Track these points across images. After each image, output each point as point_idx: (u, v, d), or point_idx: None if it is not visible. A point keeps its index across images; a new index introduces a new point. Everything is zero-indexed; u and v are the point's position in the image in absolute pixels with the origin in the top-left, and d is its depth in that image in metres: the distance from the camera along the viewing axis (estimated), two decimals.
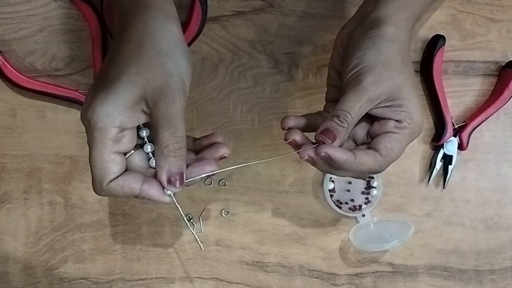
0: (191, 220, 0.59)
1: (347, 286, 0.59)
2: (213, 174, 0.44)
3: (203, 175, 0.43)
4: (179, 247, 0.59)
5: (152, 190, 0.41)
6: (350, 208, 0.59)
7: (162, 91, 0.39)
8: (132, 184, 0.41)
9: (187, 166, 0.42)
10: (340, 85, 0.47)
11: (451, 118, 0.59)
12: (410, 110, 0.43)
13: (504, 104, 0.59)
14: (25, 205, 0.58)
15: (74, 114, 0.57)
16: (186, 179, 0.42)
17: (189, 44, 0.57)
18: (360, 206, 0.59)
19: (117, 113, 0.39)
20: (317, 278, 0.59)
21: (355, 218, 0.59)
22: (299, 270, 0.59)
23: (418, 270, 0.60)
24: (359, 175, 0.45)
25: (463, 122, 0.60)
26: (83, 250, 0.58)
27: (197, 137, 0.47)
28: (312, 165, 0.44)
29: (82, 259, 0.58)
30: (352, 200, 0.59)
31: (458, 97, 0.60)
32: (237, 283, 0.59)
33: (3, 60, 0.55)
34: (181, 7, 0.58)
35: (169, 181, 0.41)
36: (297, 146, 0.45)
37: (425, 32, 0.59)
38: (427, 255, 0.60)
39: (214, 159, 0.44)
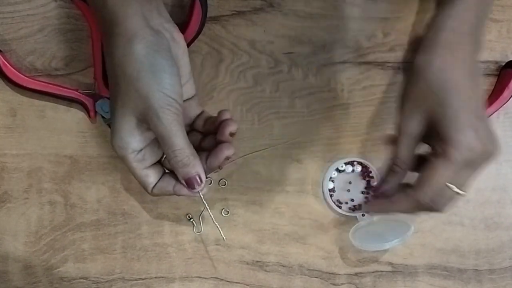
0: (191, 220, 0.59)
1: (347, 286, 0.60)
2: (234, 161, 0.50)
3: (225, 163, 0.48)
4: (179, 246, 0.59)
5: (183, 190, 0.47)
6: (350, 208, 0.59)
7: (146, 114, 0.42)
8: (167, 187, 0.47)
9: (209, 154, 0.47)
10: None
11: None
12: (447, 136, 0.42)
13: (504, 104, 0.59)
14: (25, 205, 0.58)
15: (74, 113, 0.57)
16: (208, 171, 0.47)
17: (189, 44, 0.57)
18: (360, 205, 0.59)
19: (126, 143, 0.44)
20: (317, 277, 0.60)
21: (355, 217, 0.59)
22: (299, 269, 0.59)
23: (418, 270, 0.60)
24: (417, 211, 0.48)
25: None
26: (83, 249, 0.58)
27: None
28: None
29: (82, 258, 0.58)
30: (352, 200, 0.59)
31: None
32: (237, 282, 0.59)
33: (3, 60, 0.55)
34: (181, 7, 0.58)
35: (188, 185, 0.46)
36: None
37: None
38: (427, 254, 0.60)
39: (226, 140, 0.46)
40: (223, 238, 0.52)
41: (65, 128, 0.58)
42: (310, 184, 0.59)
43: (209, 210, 0.49)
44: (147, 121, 0.43)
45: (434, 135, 0.44)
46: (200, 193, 0.47)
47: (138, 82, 0.42)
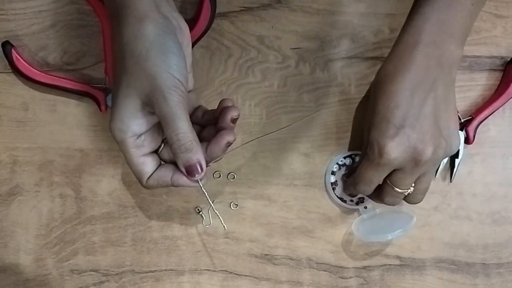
0: (200, 213, 0.59)
1: (355, 279, 0.60)
2: (236, 148, 0.48)
3: (226, 151, 0.46)
4: (189, 239, 0.59)
5: (182, 180, 0.45)
6: (352, 201, 0.60)
7: (152, 95, 0.41)
8: (165, 177, 0.45)
9: (209, 142, 0.45)
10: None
11: (458, 112, 0.60)
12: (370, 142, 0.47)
13: (510, 99, 0.59)
14: (36, 198, 0.58)
15: (85, 107, 0.58)
16: (209, 160, 0.45)
17: (198, 39, 0.58)
18: (363, 198, 0.60)
19: (127, 126, 0.43)
20: (325, 271, 0.60)
21: (358, 210, 0.59)
22: (307, 263, 0.60)
23: (426, 263, 0.60)
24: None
25: (469, 116, 0.60)
26: (94, 242, 0.59)
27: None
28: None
29: (92, 251, 0.59)
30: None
31: (464, 91, 0.61)
32: (245, 275, 0.59)
33: (16, 55, 0.56)
34: (190, 3, 0.59)
35: (188, 172, 0.44)
36: None
37: None
38: (435, 248, 0.60)
39: (227, 126, 0.45)
40: (224, 226, 0.51)
41: (76, 122, 0.58)
42: (318, 178, 0.60)
43: (209, 199, 0.48)
44: (151, 103, 0.42)
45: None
46: (200, 183, 0.46)
47: (146, 61, 0.41)
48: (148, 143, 0.45)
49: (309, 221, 0.60)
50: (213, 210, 0.49)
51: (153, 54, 0.42)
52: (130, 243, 0.59)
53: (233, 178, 0.59)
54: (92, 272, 0.59)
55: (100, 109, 0.57)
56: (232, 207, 0.59)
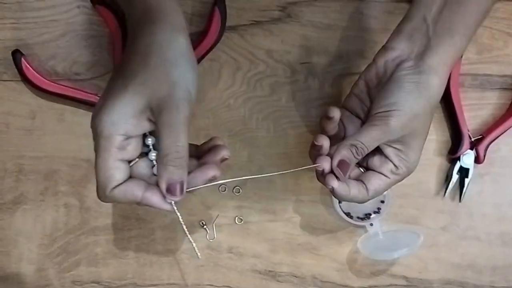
0: (204, 226, 0.58)
1: None
2: (218, 184, 0.45)
3: (206, 185, 0.43)
4: (192, 253, 0.58)
5: (154, 198, 0.42)
6: (359, 217, 0.59)
7: (166, 101, 0.40)
8: (135, 191, 0.41)
9: (189, 173, 0.42)
10: (365, 99, 0.49)
11: (468, 131, 0.59)
12: (412, 160, 0.47)
13: None
14: (41, 207, 0.58)
15: None
16: (187, 188, 0.42)
17: (207, 52, 0.58)
18: (369, 215, 0.59)
19: (122, 122, 0.40)
20: None
21: (364, 227, 0.59)
22: (311, 281, 0.59)
23: (433, 285, 0.59)
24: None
25: (480, 135, 0.59)
26: (96, 253, 0.58)
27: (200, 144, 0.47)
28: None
29: (94, 262, 0.58)
30: (362, 209, 0.59)
31: (475, 110, 0.60)
32: None
33: (26, 63, 0.56)
34: (200, 16, 0.59)
35: (168, 190, 0.41)
36: (318, 152, 0.48)
37: None
38: (442, 269, 0.59)
39: (215, 163, 0.44)
40: (198, 255, 0.48)
41: (83, 132, 0.58)
42: (325, 194, 0.59)
43: (182, 223, 0.45)
44: (160, 109, 0.40)
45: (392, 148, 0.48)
46: (173, 205, 0.43)
47: (173, 67, 0.41)
48: (131, 150, 0.42)
49: (314, 237, 0.59)
50: (187, 235, 0.46)
51: (180, 63, 0.42)
52: (132, 256, 0.58)
53: (239, 192, 0.59)
54: (94, 284, 0.58)
55: None
56: (236, 222, 0.59)
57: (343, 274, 0.59)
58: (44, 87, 0.57)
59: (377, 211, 0.59)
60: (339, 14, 0.59)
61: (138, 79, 0.41)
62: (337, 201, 0.58)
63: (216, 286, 0.58)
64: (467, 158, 0.59)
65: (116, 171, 0.41)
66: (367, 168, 0.49)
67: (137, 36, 0.43)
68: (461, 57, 0.58)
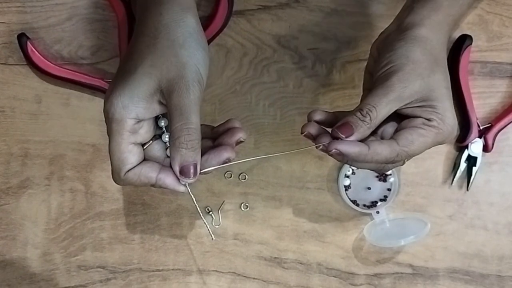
0: (210, 213, 0.58)
1: (365, 286, 0.59)
2: (230, 165, 0.43)
3: (220, 166, 0.42)
4: (197, 239, 0.58)
5: (168, 179, 0.42)
6: (365, 205, 0.59)
7: (176, 82, 0.40)
8: (149, 173, 0.41)
9: (204, 154, 0.42)
10: None
11: (477, 119, 0.58)
12: (442, 112, 0.43)
13: None
14: (47, 192, 0.58)
15: (98, 102, 0.58)
16: (201, 169, 0.42)
17: (214, 37, 0.57)
18: (376, 202, 0.59)
19: (133, 105, 0.40)
20: (335, 277, 0.59)
21: (370, 215, 0.58)
22: (317, 268, 0.59)
23: (439, 273, 0.59)
24: (377, 167, 0.45)
25: (488, 124, 0.59)
26: (102, 238, 0.58)
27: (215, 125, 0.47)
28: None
29: (100, 247, 0.58)
30: (369, 197, 0.59)
31: (484, 98, 0.59)
32: (254, 278, 0.58)
33: (31, 47, 0.56)
34: (207, 0, 0.58)
35: (182, 172, 0.41)
36: (313, 139, 0.45)
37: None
38: (449, 258, 0.59)
39: (231, 145, 0.43)
40: (211, 236, 0.46)
41: (88, 116, 0.58)
42: (331, 181, 0.59)
43: (197, 206, 0.44)
44: (170, 91, 0.40)
45: (421, 111, 0.44)
46: (188, 187, 0.42)
47: (181, 48, 0.41)
48: (143, 133, 0.42)
49: (320, 225, 0.59)
50: (201, 217, 0.46)
51: (189, 44, 0.41)
52: (138, 241, 0.58)
53: (245, 179, 0.59)
54: (99, 269, 0.58)
55: None
56: (242, 208, 0.59)
57: (349, 262, 0.59)
58: (49, 71, 0.56)
59: (384, 199, 0.59)
60: (347, 0, 0.59)
61: (147, 61, 0.40)
62: (344, 188, 0.58)
63: (222, 272, 0.58)
64: (475, 147, 0.58)
65: (130, 154, 0.41)
66: None
67: (145, 18, 0.43)
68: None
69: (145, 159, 0.43)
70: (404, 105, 0.43)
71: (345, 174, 0.58)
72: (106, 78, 0.57)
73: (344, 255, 0.59)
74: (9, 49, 0.57)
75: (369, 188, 0.59)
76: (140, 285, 0.58)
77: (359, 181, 0.59)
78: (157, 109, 0.41)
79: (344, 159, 0.43)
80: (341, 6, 0.59)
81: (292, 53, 0.59)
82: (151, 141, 0.43)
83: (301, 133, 0.45)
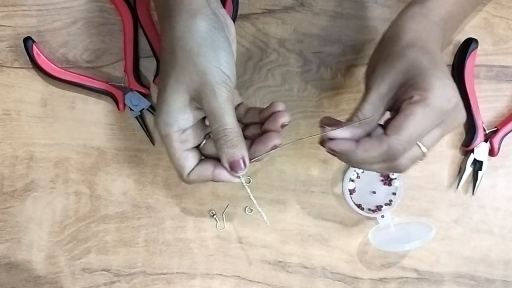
0: (214, 216, 0.58)
1: None
2: (277, 149, 0.45)
3: (268, 152, 0.44)
4: (202, 242, 0.58)
5: (223, 174, 0.45)
6: (370, 209, 0.58)
7: (202, 90, 0.42)
8: (206, 171, 0.45)
9: (252, 142, 0.45)
10: None
11: (482, 123, 0.58)
12: (427, 85, 0.40)
13: None
14: (51, 194, 0.58)
15: (104, 106, 0.58)
16: (251, 158, 0.44)
17: None
18: (381, 206, 0.58)
19: (173, 120, 0.43)
20: (339, 281, 0.58)
21: (375, 219, 0.58)
22: (321, 272, 0.58)
23: (444, 278, 0.58)
24: (385, 166, 0.44)
25: (494, 128, 0.58)
26: (106, 241, 0.58)
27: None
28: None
29: (104, 250, 0.58)
30: (374, 201, 0.59)
31: (489, 102, 0.59)
32: (258, 282, 0.58)
33: (37, 50, 0.56)
34: None
35: (232, 167, 0.44)
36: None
37: (457, 36, 0.59)
38: (454, 262, 0.58)
39: (276, 130, 0.45)
40: (266, 222, 0.49)
41: (94, 120, 0.58)
42: (336, 185, 0.59)
43: (251, 195, 0.47)
44: (200, 98, 0.42)
45: (404, 94, 0.42)
46: (242, 178, 0.45)
47: (198, 56, 0.42)
48: (192, 138, 0.45)
49: (325, 229, 0.59)
50: (256, 206, 0.48)
51: (204, 49, 0.42)
52: (142, 244, 0.58)
53: (249, 182, 0.59)
54: (104, 272, 0.58)
55: (118, 108, 0.57)
56: (247, 212, 0.58)
57: (353, 266, 0.58)
58: (55, 74, 0.56)
59: (389, 203, 0.58)
60: (352, 3, 0.58)
61: (172, 77, 0.43)
62: (348, 192, 0.58)
63: (226, 276, 0.58)
64: (481, 151, 0.58)
65: (185, 161, 0.44)
66: None
67: (162, 33, 0.45)
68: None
69: (203, 158, 0.46)
70: (391, 97, 0.43)
71: (350, 178, 0.58)
72: (111, 81, 0.57)
73: (349, 259, 0.59)
74: (15, 52, 0.58)
75: (374, 192, 0.59)
76: None
77: (364, 185, 0.59)
78: (196, 115, 0.44)
79: (340, 157, 0.45)
80: (346, 10, 0.59)
81: (297, 56, 0.59)
82: (204, 140, 0.46)
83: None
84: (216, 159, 0.45)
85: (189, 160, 0.45)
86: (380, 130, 0.44)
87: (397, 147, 0.41)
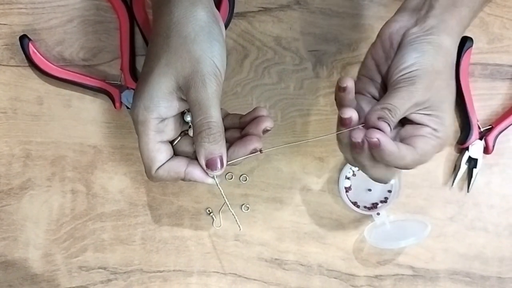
0: (211, 214, 0.58)
1: None
2: (256, 154, 0.44)
3: (247, 156, 0.43)
4: (198, 240, 0.58)
5: (196, 173, 0.43)
6: (366, 206, 0.59)
7: (191, 78, 0.40)
8: (178, 168, 0.43)
9: (231, 145, 0.43)
10: (376, 78, 0.46)
11: (477, 121, 0.58)
12: (447, 124, 0.44)
13: None
14: (48, 193, 0.58)
15: (100, 104, 0.58)
16: (229, 160, 0.43)
17: None
18: (376, 204, 0.59)
19: (154, 105, 0.41)
20: (335, 278, 0.59)
21: (371, 216, 0.58)
22: (317, 269, 0.59)
23: (439, 275, 0.59)
24: (385, 174, 0.45)
25: (489, 126, 0.59)
26: (103, 239, 0.58)
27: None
28: (352, 154, 0.44)
29: (101, 248, 0.58)
30: (369, 199, 0.59)
31: (484, 100, 0.59)
32: (254, 279, 0.59)
33: (33, 49, 0.56)
34: None
35: (208, 165, 0.42)
36: (348, 126, 0.43)
37: None
38: (449, 259, 0.59)
39: (257, 134, 0.44)
40: (239, 227, 0.48)
41: (90, 118, 0.58)
42: (332, 183, 0.59)
43: (225, 198, 0.45)
44: (188, 87, 0.40)
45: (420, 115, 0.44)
46: (216, 179, 0.43)
47: (193, 44, 0.41)
48: (169, 130, 0.43)
49: (321, 226, 0.59)
50: (229, 209, 0.47)
51: (201, 38, 0.41)
52: (139, 242, 0.58)
53: (245, 180, 0.59)
54: (101, 270, 0.58)
55: (115, 106, 0.57)
56: (243, 210, 0.59)
57: (349, 263, 0.59)
58: (51, 72, 0.56)
59: (384, 200, 0.59)
60: (348, 2, 0.59)
61: (162, 60, 0.41)
62: (344, 190, 0.58)
63: (222, 273, 0.59)
64: (475, 149, 0.58)
65: (158, 153, 0.42)
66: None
67: (158, 18, 0.43)
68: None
69: (175, 155, 0.44)
70: (415, 110, 0.43)
71: (346, 176, 0.58)
72: (107, 79, 0.57)
73: (345, 256, 0.59)
74: (11, 50, 0.58)
75: (369, 190, 0.59)
76: (141, 286, 0.58)
77: (359, 183, 0.59)
78: (179, 106, 0.42)
79: (365, 156, 0.43)
80: (342, 8, 0.59)
81: (293, 55, 0.59)
82: (179, 137, 0.44)
83: (342, 116, 0.43)
84: (190, 158, 0.44)
85: (162, 153, 0.43)
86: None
87: (415, 165, 0.43)
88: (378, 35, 0.47)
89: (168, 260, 0.58)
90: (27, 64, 0.58)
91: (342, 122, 0.43)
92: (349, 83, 0.43)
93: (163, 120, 0.42)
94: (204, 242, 0.58)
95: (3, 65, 0.58)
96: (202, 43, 0.41)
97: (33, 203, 0.58)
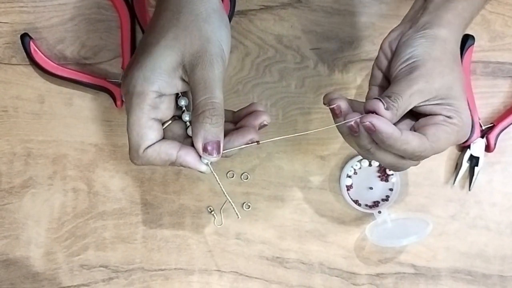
0: (212, 212, 0.58)
1: (367, 286, 0.59)
2: (250, 146, 0.42)
3: (243, 146, 0.42)
4: (199, 238, 0.58)
5: (189, 157, 0.40)
6: (367, 205, 0.59)
7: (199, 56, 0.39)
8: (169, 150, 0.40)
9: (226, 135, 0.41)
10: (385, 85, 0.46)
11: (479, 119, 0.58)
12: (460, 110, 0.43)
13: None
14: (49, 191, 0.58)
15: (101, 102, 0.58)
16: (223, 149, 0.40)
17: None
18: (378, 202, 0.59)
19: (155, 77, 0.39)
20: (337, 276, 0.59)
21: (372, 215, 0.58)
22: (319, 267, 0.59)
23: (441, 273, 0.59)
24: (395, 161, 0.43)
25: (490, 124, 0.59)
26: (104, 238, 0.58)
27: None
28: (354, 141, 0.43)
29: (103, 246, 0.58)
30: (371, 197, 0.59)
31: (486, 98, 0.59)
32: (256, 278, 0.59)
33: (34, 47, 0.56)
34: None
35: (205, 149, 0.39)
36: (339, 115, 0.43)
37: None
38: (451, 258, 0.59)
39: (254, 127, 0.43)
40: (237, 215, 0.45)
41: (91, 116, 0.58)
42: (333, 181, 0.59)
43: (221, 185, 0.43)
44: (194, 64, 0.39)
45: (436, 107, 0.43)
46: (210, 165, 0.41)
47: (205, 23, 0.40)
48: (164, 109, 0.41)
49: (322, 224, 0.59)
50: (225, 195, 0.44)
51: (213, 19, 0.41)
52: (140, 240, 0.58)
53: (247, 179, 0.59)
54: (102, 268, 0.58)
55: (116, 104, 0.57)
56: (244, 208, 0.59)
57: (351, 261, 0.59)
58: (52, 71, 0.56)
59: (386, 199, 0.59)
60: None
61: (170, 33, 0.40)
62: (346, 188, 0.58)
63: (224, 271, 0.59)
64: (477, 147, 0.58)
65: (149, 130, 0.40)
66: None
67: None
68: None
69: (164, 138, 0.42)
70: (423, 101, 0.42)
71: (347, 174, 0.58)
72: (108, 78, 0.57)
73: (346, 255, 0.59)
74: (12, 49, 0.58)
75: (371, 188, 0.59)
76: (142, 285, 0.58)
77: (361, 181, 0.59)
78: (178, 86, 0.41)
79: (367, 142, 0.42)
80: (343, 6, 0.59)
81: (294, 53, 0.59)
82: (170, 121, 0.42)
83: (329, 105, 0.43)
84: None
85: (154, 131, 0.40)
86: (404, 127, 0.44)
87: (427, 153, 0.42)
88: (380, 47, 0.47)
89: (169, 258, 0.58)
90: (28, 63, 0.58)
91: (333, 113, 0.43)
92: (341, 103, 0.43)
93: (160, 96, 0.40)
94: (205, 240, 0.58)
95: (4, 63, 0.58)
96: (213, 24, 0.41)
97: (35, 202, 0.58)
